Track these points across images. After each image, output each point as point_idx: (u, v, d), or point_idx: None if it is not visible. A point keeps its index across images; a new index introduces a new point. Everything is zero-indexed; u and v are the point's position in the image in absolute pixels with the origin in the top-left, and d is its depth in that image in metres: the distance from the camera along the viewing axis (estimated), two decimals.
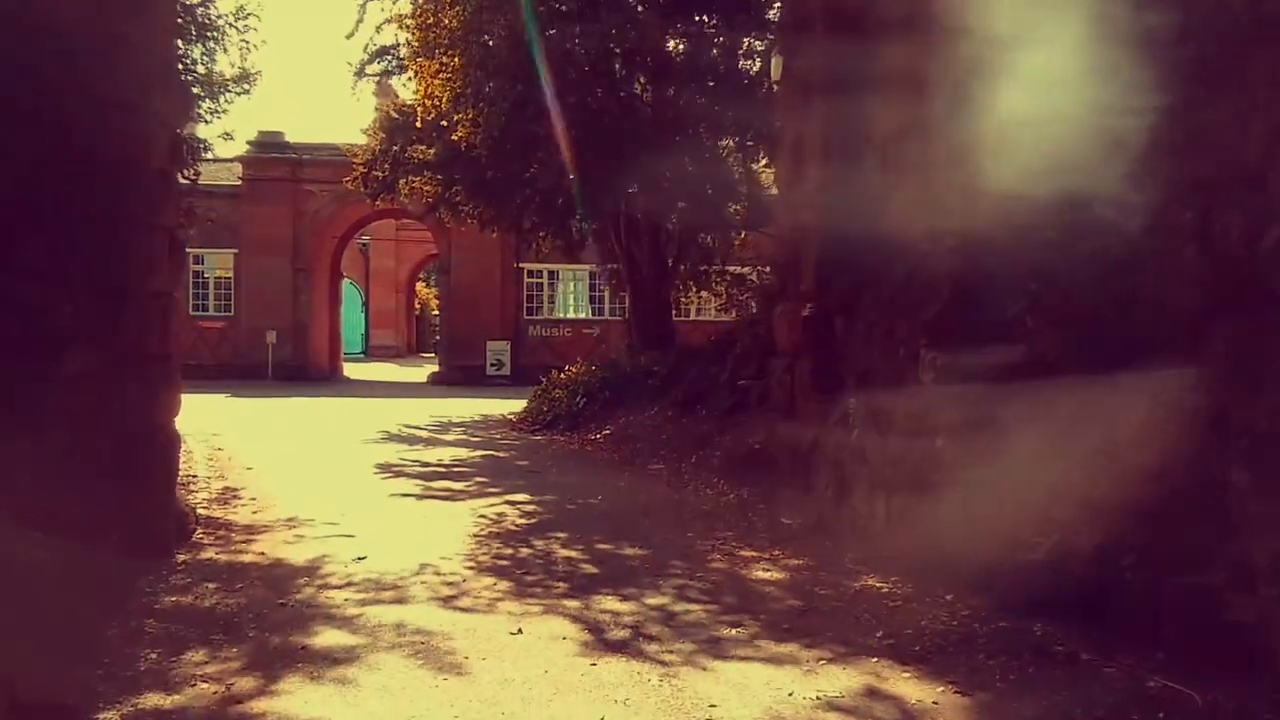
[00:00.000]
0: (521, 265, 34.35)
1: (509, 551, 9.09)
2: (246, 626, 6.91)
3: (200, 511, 10.83)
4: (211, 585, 7.91)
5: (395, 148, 21.85)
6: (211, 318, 34.47)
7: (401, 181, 22.69)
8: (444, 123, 17.96)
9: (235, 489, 12.41)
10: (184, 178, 13.95)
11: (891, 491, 8.28)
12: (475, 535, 9.75)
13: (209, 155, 15.54)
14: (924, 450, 7.74)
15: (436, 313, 64.47)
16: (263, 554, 9.00)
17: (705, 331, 30.08)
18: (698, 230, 23.11)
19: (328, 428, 19.72)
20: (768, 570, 8.32)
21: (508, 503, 11.50)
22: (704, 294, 28.71)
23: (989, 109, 7.32)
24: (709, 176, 20.71)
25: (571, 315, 35.57)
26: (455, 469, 14.28)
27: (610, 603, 7.41)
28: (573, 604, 7.40)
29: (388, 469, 14.19)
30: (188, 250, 33.28)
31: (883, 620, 6.92)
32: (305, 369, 33.69)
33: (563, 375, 21.76)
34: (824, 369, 9.74)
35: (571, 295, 36.12)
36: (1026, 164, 6.79)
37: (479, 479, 13.28)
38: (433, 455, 15.61)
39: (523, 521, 10.45)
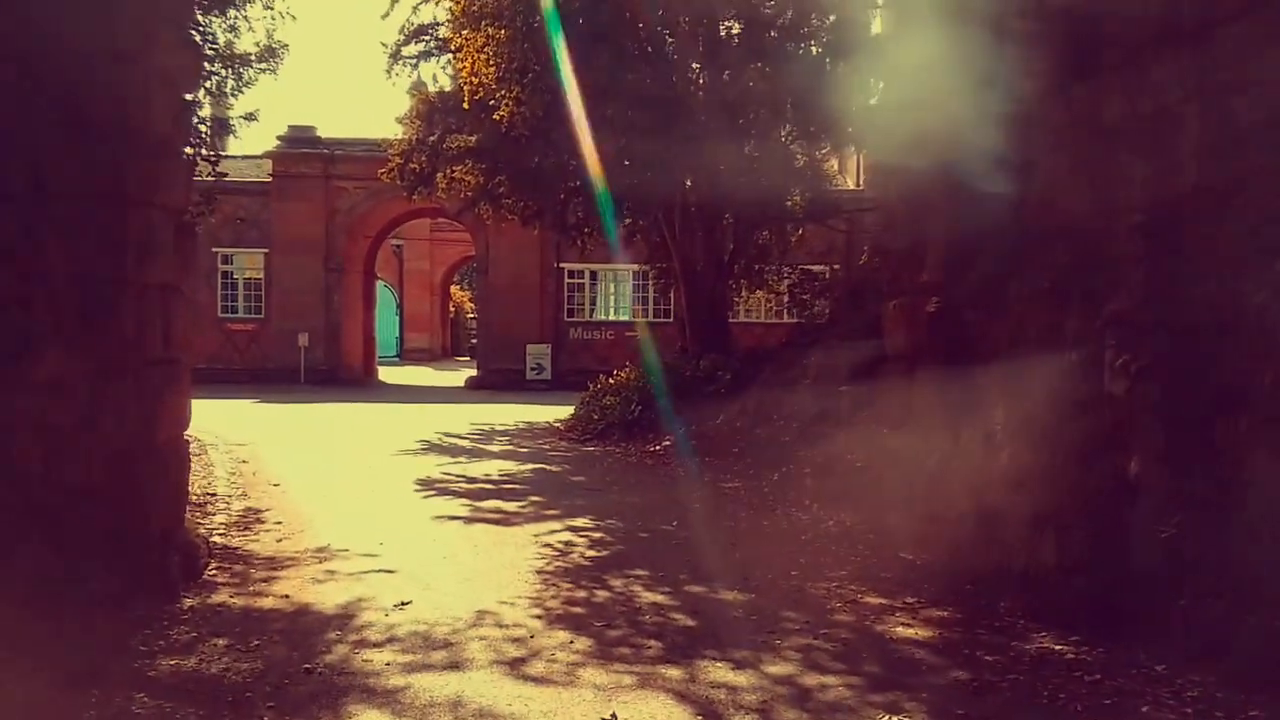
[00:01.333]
0: (562, 265, 32.78)
1: (582, 595, 7.53)
2: (261, 703, 5.41)
3: (217, 539, 9.36)
4: (222, 642, 6.40)
5: (434, 137, 20.34)
6: (241, 320, 33.07)
7: (440, 175, 21.19)
8: (491, 101, 16.42)
9: (259, 510, 10.93)
10: (203, 157, 12.45)
11: None
12: (539, 571, 8.19)
13: (233, 136, 13.94)
14: None
15: (472, 315, 63.20)
16: (287, 597, 7.49)
17: (755, 334, 28.59)
18: (756, 224, 21.52)
19: (362, 437, 18.26)
20: (909, 625, 6.70)
21: (570, 528, 9.93)
22: (755, 295, 27.08)
23: None
24: (768, 166, 19.14)
25: (614, 317, 33.94)
26: (505, 485, 12.74)
27: (721, 672, 5.83)
28: (674, 673, 5.82)
29: (430, 485, 12.67)
30: (216, 250, 32.16)
31: (1080, 697, 5.33)
32: (338, 373, 32.29)
33: (612, 380, 20.24)
34: (953, 373, 8.11)
35: (613, 296, 34.54)
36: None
37: (534, 498, 11.73)
38: (478, 469, 14.08)
39: (593, 554, 8.88)
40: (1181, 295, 5.87)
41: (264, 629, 6.72)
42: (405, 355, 52.57)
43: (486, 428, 19.90)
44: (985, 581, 7.07)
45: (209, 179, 12.86)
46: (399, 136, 21.38)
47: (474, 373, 35.27)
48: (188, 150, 10.06)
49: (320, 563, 8.54)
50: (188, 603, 7.27)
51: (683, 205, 19.89)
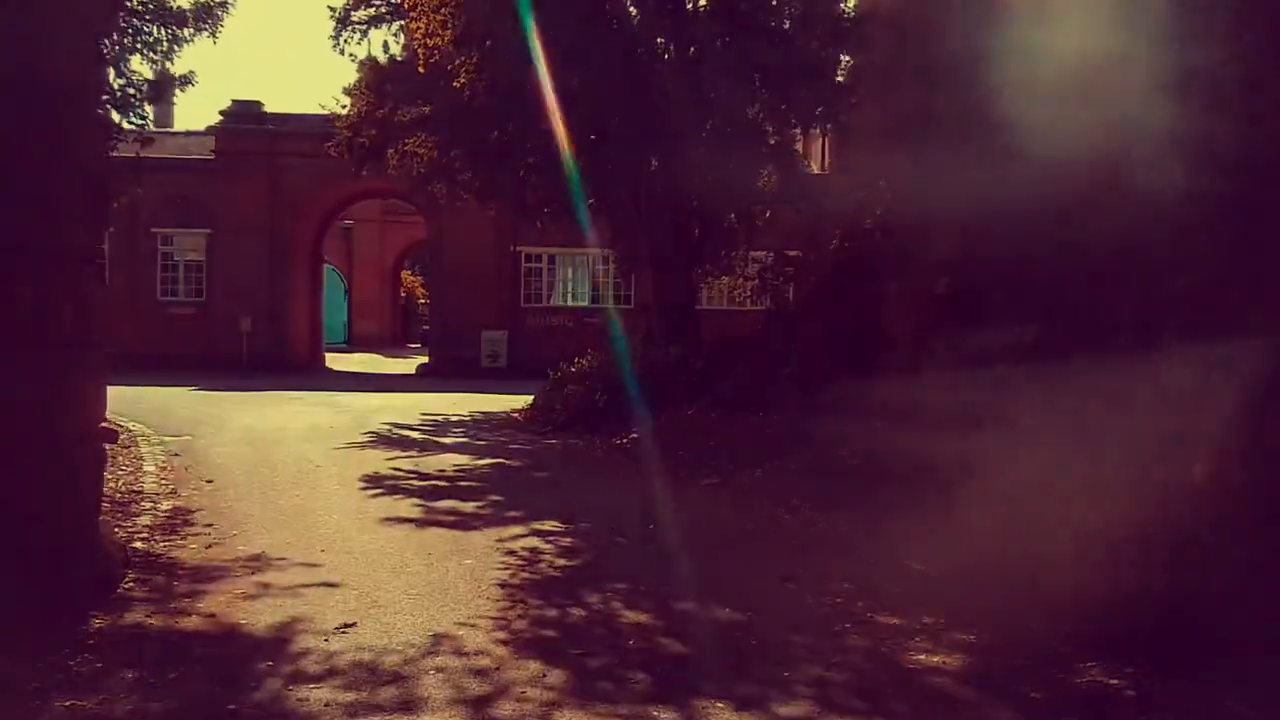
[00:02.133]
0: (519, 248, 31.71)
1: (554, 614, 6.58)
2: None
3: (138, 545, 8.31)
4: (131, 674, 5.40)
5: (383, 110, 19.21)
6: (182, 304, 31.64)
7: (390, 151, 20.08)
8: (450, 67, 15.33)
9: (189, 510, 9.86)
10: (131, 121, 11.33)
11: None
12: (503, 585, 7.23)
13: (168, 102, 12.72)
14: None
15: (424, 301, 61.87)
16: (213, 616, 6.47)
17: (717, 322, 27.68)
18: (725, 207, 20.62)
19: (306, 427, 17.15)
20: (931, 652, 5.82)
21: (536, 533, 8.97)
22: (719, 281, 26.15)
23: None
24: (737, 144, 18.25)
25: (574, 303, 32.89)
26: (461, 482, 11.75)
27: (724, 715, 4.92)
28: (668, 716, 4.90)
29: (378, 482, 11.64)
30: (156, 230, 30.77)
31: None
32: (284, 359, 30.98)
33: (573, 368, 19.28)
34: (968, 359, 7.27)
35: (572, 281, 33.48)
36: None
37: (493, 497, 10.75)
38: (431, 463, 13.06)
39: (563, 563, 7.94)
40: None
41: (183, 657, 5.72)
42: (354, 342, 51.18)
43: (440, 418, 18.86)
44: (1016, 600, 6.20)
45: (137, 147, 11.70)
46: (347, 109, 20.16)
47: (426, 360, 34.15)
48: (106, 106, 8.95)
49: (253, 574, 7.52)
50: (97, 623, 6.25)
51: (649, 185, 18.94)
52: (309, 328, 34.01)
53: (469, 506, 10.19)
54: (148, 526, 9.11)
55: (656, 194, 19.20)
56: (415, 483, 11.66)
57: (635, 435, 14.49)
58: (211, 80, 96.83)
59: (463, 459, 13.58)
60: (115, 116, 11.07)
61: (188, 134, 33.94)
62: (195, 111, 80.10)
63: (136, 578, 7.30)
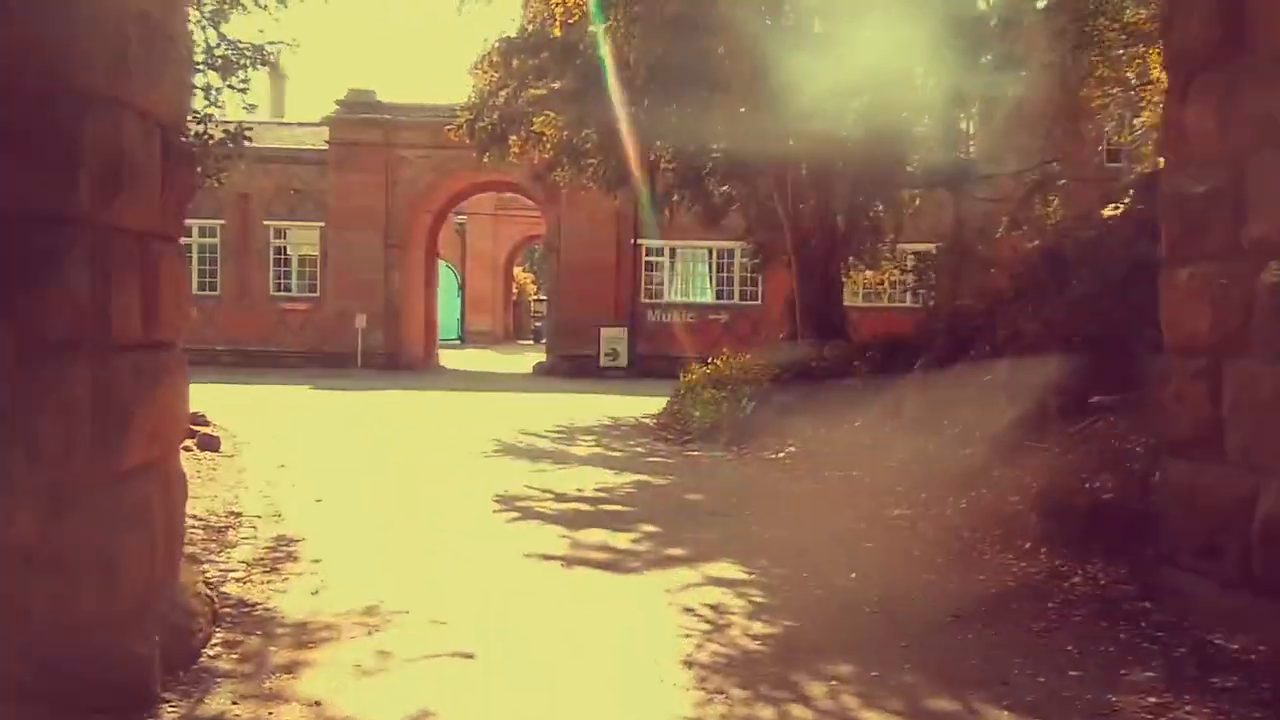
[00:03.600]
0: (640, 242, 30.04)
1: (767, 715, 4.86)
2: None
3: (232, 588, 6.84)
4: None
5: (507, 90, 17.70)
6: (294, 299, 30.68)
7: (514, 137, 18.59)
8: (591, 28, 13.73)
9: (294, 540, 8.38)
10: (230, 85, 9.91)
11: None
12: (689, 662, 5.51)
13: (268, 69, 11.24)
14: None
15: (535, 298, 60.98)
16: (317, 705, 4.90)
17: (858, 320, 25.72)
18: (874, 193, 18.73)
19: (426, 433, 15.76)
20: None
21: (712, 580, 7.25)
22: (862, 276, 24.16)
23: None
24: (887, 122, 16.38)
25: (696, 299, 31.12)
26: (606, 506, 10.12)
27: None
28: None
29: (511, 504, 10.06)
30: (268, 223, 29.95)
31: None
32: (398, 357, 29.88)
33: (708, 369, 17.59)
34: None
35: (694, 277, 31.68)
36: None
37: (647, 526, 9.07)
38: (568, 480, 11.46)
39: (760, 629, 6.17)
40: None
41: None
42: (467, 338, 50.26)
43: (566, 424, 17.30)
44: None
45: (232, 125, 10.25)
46: (470, 89, 18.68)
47: (542, 358, 32.80)
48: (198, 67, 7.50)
49: (369, 633, 5.96)
50: (168, 715, 4.73)
51: (794, 170, 17.15)
52: (424, 324, 32.92)
53: (621, 540, 8.52)
54: (244, 563, 7.64)
55: (801, 180, 17.42)
56: (553, 505, 10.05)
57: (793, 449, 12.70)
58: (325, 72, 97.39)
59: (601, 475, 11.95)
60: (213, 79, 9.65)
61: (300, 124, 33.09)
62: (309, 104, 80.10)
63: (225, 639, 5.78)
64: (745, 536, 8.63)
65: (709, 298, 30.99)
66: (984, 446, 9.67)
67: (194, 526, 8.61)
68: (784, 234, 20.30)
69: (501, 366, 33.92)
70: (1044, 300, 10.40)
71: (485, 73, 17.77)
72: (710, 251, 30.53)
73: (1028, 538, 7.75)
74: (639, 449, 14.40)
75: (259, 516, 9.28)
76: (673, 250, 30.90)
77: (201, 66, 9.32)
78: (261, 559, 7.77)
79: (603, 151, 16.95)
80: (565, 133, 16.73)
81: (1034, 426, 9.40)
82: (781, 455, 12.66)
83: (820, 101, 14.76)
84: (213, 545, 8.04)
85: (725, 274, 30.73)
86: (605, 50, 13.62)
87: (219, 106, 10.02)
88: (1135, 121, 17.33)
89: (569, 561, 7.78)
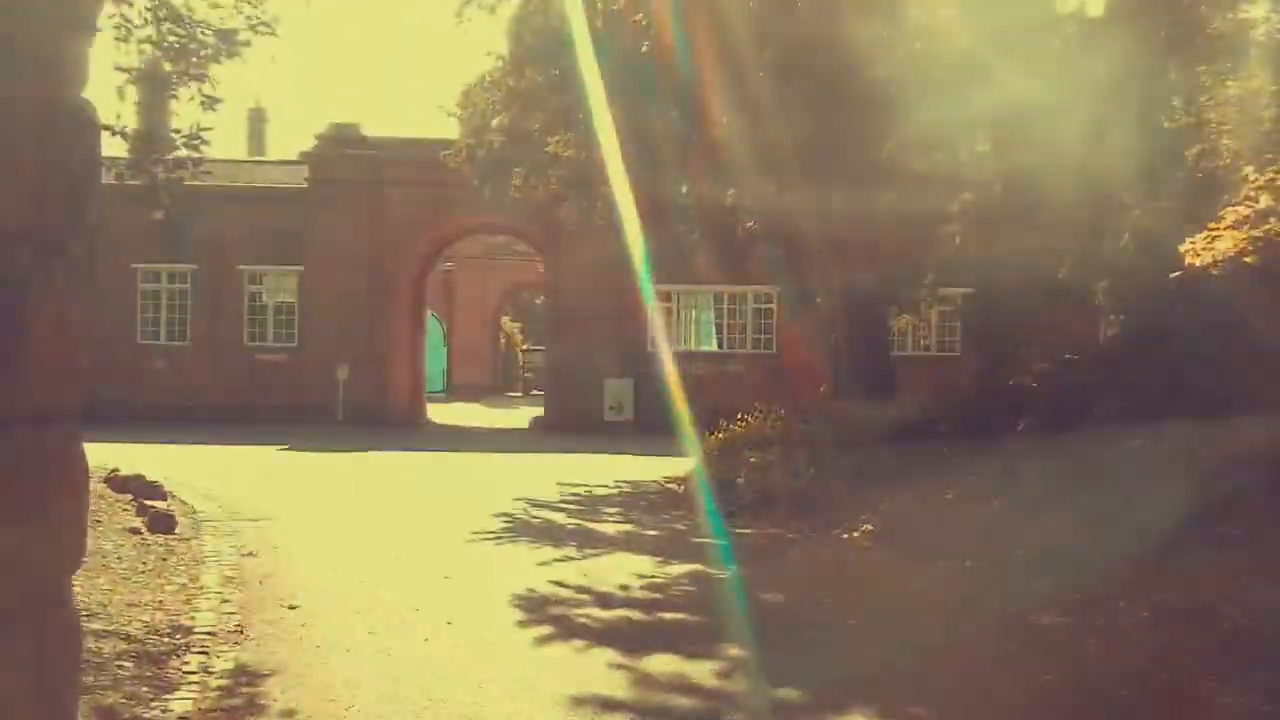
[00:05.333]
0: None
1: None
2: None
3: None
4: None
5: (512, 110, 15.61)
6: (270, 349, 28.25)
7: (517, 169, 16.50)
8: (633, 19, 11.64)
9: (258, 674, 6.13)
10: (176, 67, 7.71)
11: None
12: None
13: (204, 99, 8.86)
14: None
15: (523, 348, 58.76)
16: None
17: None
18: (924, 228, 16.69)
19: (421, 505, 13.52)
20: None
21: None
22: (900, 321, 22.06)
23: None
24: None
25: (705, 348, 28.95)
26: (663, 613, 7.88)
27: None
28: None
29: (539, 610, 7.81)
30: (242, 268, 27.74)
31: None
32: (383, 411, 27.51)
33: (739, 427, 15.46)
34: None
35: (697, 324, 29.54)
36: None
37: (729, 648, 6.81)
38: (602, 572, 9.21)
39: None
40: None
41: None
42: (452, 390, 47.93)
43: (581, 490, 15.06)
44: None
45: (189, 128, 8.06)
46: (466, 112, 16.53)
47: (535, 411, 30.54)
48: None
49: None
50: None
51: (840, 201, 15.09)
52: (410, 376, 30.59)
53: (703, 674, 6.25)
54: (191, 712, 5.39)
55: (849, 211, 15.36)
56: (594, 613, 7.79)
57: (870, 528, 10.49)
58: (309, 110, 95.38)
59: (642, 563, 9.69)
60: (164, 65, 7.48)
61: (279, 162, 31.00)
62: (292, 143, 77.71)
63: None
64: (867, 663, 6.40)
65: (716, 346, 28.82)
66: (1152, 532, 7.51)
67: (123, 653, 6.39)
68: (816, 275, 18.39)
69: (494, 421, 31.63)
70: (1206, 348, 8.29)
71: (487, 92, 15.68)
72: (721, 296, 28.44)
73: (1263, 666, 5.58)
74: (677, 525, 12.15)
75: (213, 634, 7.01)
76: (679, 296, 28.81)
77: (144, 48, 7.20)
78: (211, 711, 5.51)
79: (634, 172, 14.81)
80: (584, 154, 14.58)
81: (1226, 507, 7.27)
82: (858, 535, 10.45)
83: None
84: (143, 689, 5.78)
85: (738, 320, 28.61)
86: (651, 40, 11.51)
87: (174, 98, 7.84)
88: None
89: (641, 715, 5.53)
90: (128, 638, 6.72)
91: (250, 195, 28.25)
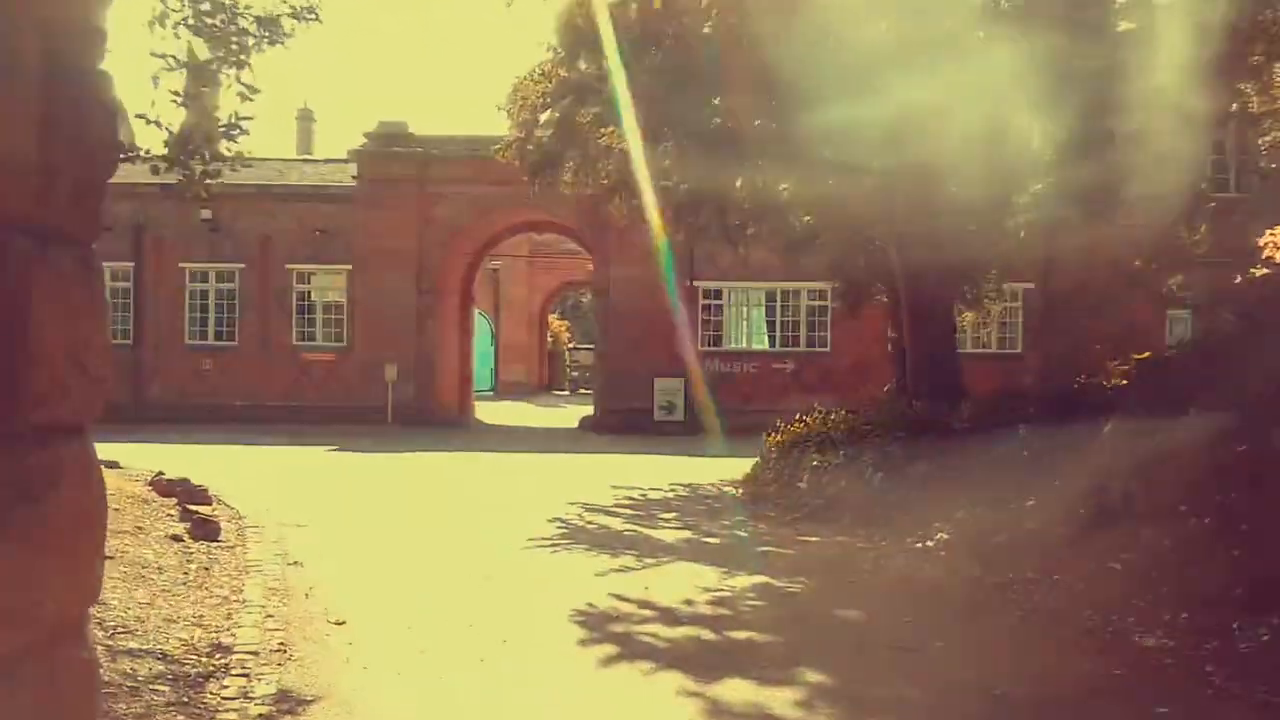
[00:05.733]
0: (696, 283, 27.34)
1: None
2: None
3: None
4: None
5: (564, 103, 15.14)
6: (319, 349, 28.05)
7: (569, 160, 16.00)
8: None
9: (301, 701, 5.69)
10: (213, 54, 7.29)
11: None
12: None
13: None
14: None
15: (569, 346, 58.48)
16: None
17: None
18: (990, 220, 16.03)
19: (472, 508, 13.11)
20: None
21: None
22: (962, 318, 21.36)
23: None
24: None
25: (755, 347, 28.32)
26: (731, 630, 7.35)
27: None
28: None
29: (600, 628, 7.32)
30: (290, 267, 27.55)
31: None
32: (431, 412, 27.19)
33: (798, 428, 14.91)
34: None
35: (748, 321, 28.86)
36: None
37: (808, 673, 6.27)
38: (664, 584, 8.70)
39: None
40: None
41: None
42: (500, 389, 47.66)
43: (636, 493, 14.56)
44: None
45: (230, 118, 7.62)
46: (516, 107, 16.03)
47: (583, 410, 30.12)
48: None
49: None
50: None
51: (904, 191, 14.49)
52: (459, 376, 30.28)
53: (782, 702, 5.72)
54: None
55: (913, 202, 14.75)
56: (659, 631, 7.27)
57: (944, 536, 9.91)
58: (356, 109, 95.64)
59: (705, 574, 9.17)
60: (198, 49, 7.06)
61: (327, 161, 30.77)
62: (339, 144, 78.28)
63: None
64: (960, 690, 5.85)
65: (774, 345, 28.18)
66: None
67: (159, 675, 5.98)
68: (876, 270, 17.79)
69: (542, 421, 31.23)
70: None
71: (538, 84, 15.20)
72: (775, 293, 27.81)
73: None
74: (739, 531, 11.62)
75: (255, 653, 6.58)
76: (731, 292, 28.23)
77: (180, 32, 6.79)
78: None
79: (688, 164, 14.27)
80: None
81: None
82: (931, 545, 9.87)
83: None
84: (178, 715, 5.36)
85: (788, 317, 27.96)
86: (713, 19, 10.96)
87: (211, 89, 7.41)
88: None
89: None
90: (164, 657, 6.32)
91: (298, 194, 28.06)
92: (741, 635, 7.16)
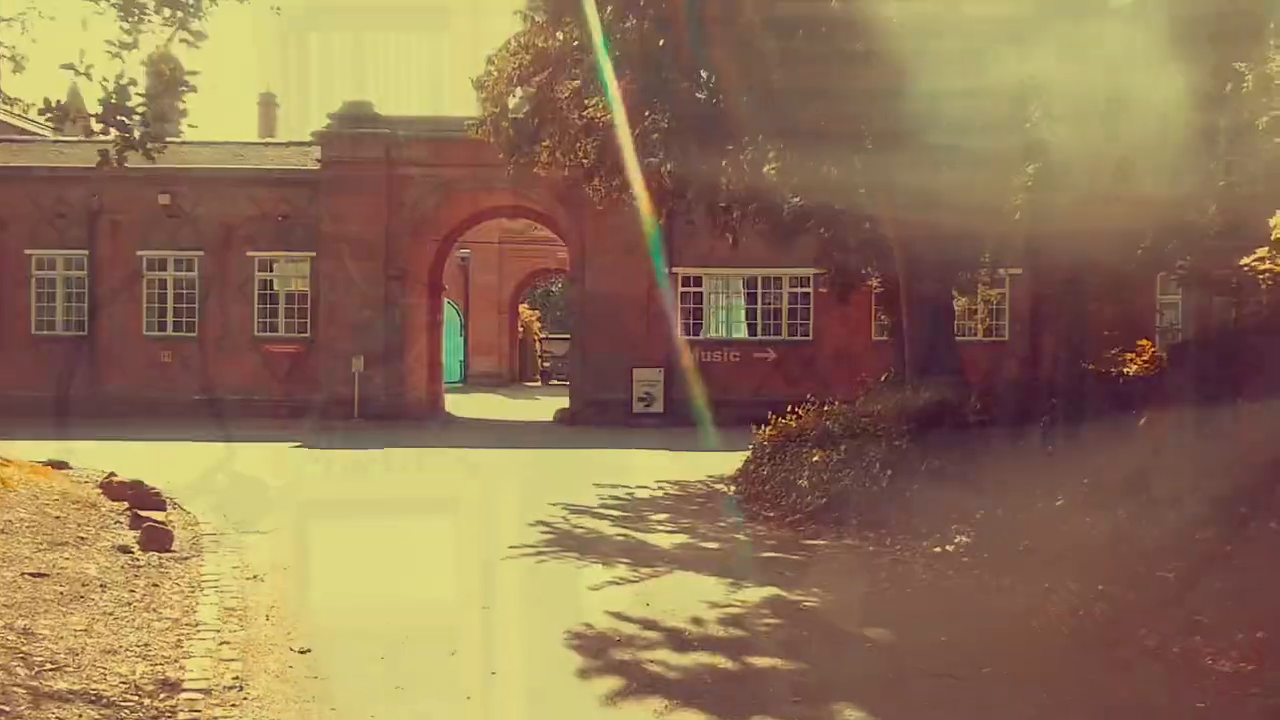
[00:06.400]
0: (676, 270, 26.43)
1: None
2: None
3: None
4: None
5: (541, 77, 14.22)
6: (281, 340, 26.83)
7: (548, 138, 15.07)
8: None
9: None
10: None
11: None
12: None
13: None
14: None
15: (540, 336, 57.45)
16: None
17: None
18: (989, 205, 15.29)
19: (449, 511, 12.19)
20: None
21: None
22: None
23: None
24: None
25: (735, 336, 27.45)
26: (749, 656, 6.50)
27: None
28: None
29: (599, 654, 6.47)
30: (252, 254, 26.46)
31: None
32: (400, 404, 26.14)
33: (792, 421, 14.11)
34: None
35: (728, 309, 28.00)
36: None
37: (845, 710, 5.46)
38: (666, 601, 7.85)
39: None
40: None
41: None
42: (469, 380, 46.60)
43: (622, 492, 13.71)
44: None
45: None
46: (490, 78, 15.04)
47: (556, 402, 29.20)
48: None
49: None
50: None
51: (904, 174, 13.71)
52: (429, 367, 29.25)
53: None
54: None
55: (912, 185, 13.97)
56: (668, 658, 6.42)
57: (964, 539, 9.13)
58: (318, 93, 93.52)
59: (709, 586, 8.32)
60: None
61: (290, 144, 29.65)
62: (300, 118, 76.31)
63: None
64: None
65: (755, 333, 27.34)
66: None
67: None
68: (870, 255, 17.05)
69: (516, 413, 30.27)
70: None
71: (515, 56, 14.23)
72: (756, 280, 26.97)
73: None
74: (738, 535, 10.79)
75: (207, 690, 5.70)
76: (712, 280, 27.37)
77: None
78: None
79: (666, 143, 13.40)
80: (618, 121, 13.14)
81: None
82: (951, 549, 9.09)
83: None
84: None
85: (769, 305, 27.15)
86: None
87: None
88: None
89: None
90: (98, 700, 5.43)
91: (260, 178, 26.96)
92: (763, 662, 6.33)
